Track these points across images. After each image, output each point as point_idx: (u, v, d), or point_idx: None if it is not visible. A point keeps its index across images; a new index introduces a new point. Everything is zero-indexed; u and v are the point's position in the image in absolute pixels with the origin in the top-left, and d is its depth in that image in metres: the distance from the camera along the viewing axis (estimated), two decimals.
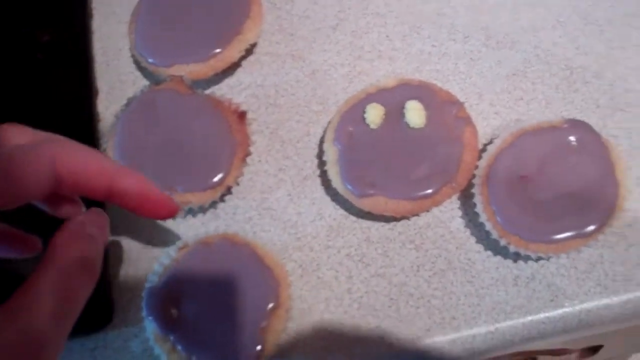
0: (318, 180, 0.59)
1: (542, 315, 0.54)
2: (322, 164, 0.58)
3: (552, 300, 0.54)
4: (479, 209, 0.54)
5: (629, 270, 0.54)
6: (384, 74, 0.63)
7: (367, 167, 0.55)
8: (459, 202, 0.58)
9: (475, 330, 0.53)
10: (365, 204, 0.55)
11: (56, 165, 0.39)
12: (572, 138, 0.54)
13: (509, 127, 0.57)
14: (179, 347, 0.49)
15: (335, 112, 0.59)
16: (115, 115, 0.59)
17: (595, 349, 0.87)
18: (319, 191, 0.59)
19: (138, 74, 0.65)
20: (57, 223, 0.41)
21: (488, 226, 0.53)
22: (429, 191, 0.54)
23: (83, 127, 0.61)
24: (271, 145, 0.61)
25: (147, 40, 0.62)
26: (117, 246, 0.58)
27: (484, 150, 0.56)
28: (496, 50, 0.64)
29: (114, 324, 0.55)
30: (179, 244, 0.53)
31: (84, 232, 0.40)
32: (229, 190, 0.57)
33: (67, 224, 0.41)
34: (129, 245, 0.58)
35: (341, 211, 0.58)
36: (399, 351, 0.53)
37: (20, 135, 0.41)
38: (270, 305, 0.50)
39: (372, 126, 0.56)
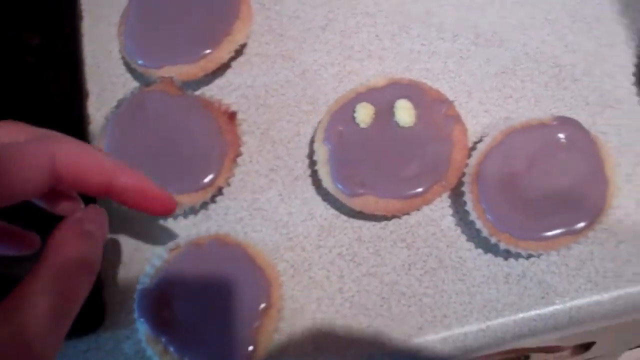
0: (309, 180, 0.59)
1: (533, 313, 0.54)
2: (312, 163, 0.58)
3: (543, 298, 0.54)
4: (469, 207, 0.54)
5: (619, 266, 0.54)
6: (374, 74, 0.63)
7: (358, 166, 0.55)
8: (449, 200, 0.58)
9: (466, 328, 0.54)
10: (356, 203, 0.55)
11: (54, 162, 0.39)
12: (561, 135, 0.54)
13: (498, 125, 0.57)
14: (171, 349, 0.49)
15: (325, 111, 0.59)
16: (105, 117, 0.59)
17: (587, 346, 0.87)
18: (310, 191, 0.59)
19: (128, 75, 0.65)
20: (55, 220, 0.41)
21: (478, 224, 0.53)
22: (419, 190, 0.54)
23: (73, 130, 0.61)
24: (262, 145, 0.61)
25: (136, 41, 0.62)
26: (108, 248, 0.57)
27: (473, 148, 0.56)
28: (485, 49, 0.64)
29: (105, 326, 0.55)
30: (170, 245, 0.54)
31: (83, 229, 0.40)
32: (220, 191, 0.57)
33: (66, 221, 0.41)
34: (121, 247, 0.58)
35: (332, 211, 0.58)
36: (391, 350, 0.53)
37: (18, 131, 0.41)
38: (262, 305, 0.50)
39: (362, 125, 0.56)
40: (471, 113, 0.61)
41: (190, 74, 0.60)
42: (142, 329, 0.51)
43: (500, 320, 0.54)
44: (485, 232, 0.53)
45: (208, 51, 0.60)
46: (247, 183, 0.60)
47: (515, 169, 0.53)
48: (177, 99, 0.57)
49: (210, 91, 0.63)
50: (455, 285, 0.55)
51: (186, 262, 0.52)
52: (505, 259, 0.55)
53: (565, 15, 0.65)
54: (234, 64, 0.65)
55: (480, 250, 0.56)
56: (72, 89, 0.64)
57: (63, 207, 0.47)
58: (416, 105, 0.56)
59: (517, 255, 0.55)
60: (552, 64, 0.63)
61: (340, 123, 0.57)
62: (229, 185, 0.58)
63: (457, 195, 0.57)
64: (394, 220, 0.57)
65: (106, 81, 0.65)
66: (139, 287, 0.52)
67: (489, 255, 0.55)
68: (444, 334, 0.53)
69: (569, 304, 0.54)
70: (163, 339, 0.50)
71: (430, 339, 0.53)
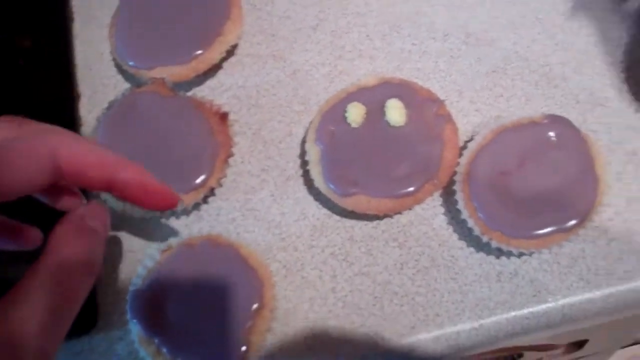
0: (301, 180, 0.59)
1: (525, 311, 0.54)
2: (304, 163, 0.58)
3: (535, 296, 0.54)
4: (461, 205, 0.54)
5: (611, 264, 0.55)
6: (365, 73, 0.63)
7: (349, 166, 0.55)
8: (441, 199, 0.58)
9: (459, 327, 0.54)
10: (348, 203, 0.55)
11: (56, 156, 0.39)
12: (552, 134, 0.54)
13: (489, 124, 0.57)
14: (164, 350, 0.49)
15: (316, 111, 0.59)
16: (97, 118, 0.58)
17: (580, 344, 0.88)
18: (302, 191, 0.59)
19: (120, 77, 0.65)
20: (57, 215, 0.41)
21: (470, 223, 0.54)
22: (411, 189, 0.54)
23: None
24: (253, 146, 0.61)
25: (127, 43, 0.62)
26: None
27: (464, 147, 0.57)
28: (476, 48, 0.64)
29: (98, 327, 0.55)
30: (163, 246, 0.53)
31: (85, 225, 0.40)
32: (212, 192, 0.57)
33: (67, 217, 0.41)
34: (113, 249, 0.58)
35: (324, 210, 0.58)
36: (384, 349, 0.53)
37: (19, 126, 0.41)
38: (255, 305, 0.50)
39: (354, 125, 0.56)
40: (462, 112, 0.61)
41: (181, 75, 0.60)
42: (135, 330, 0.51)
43: (493, 318, 0.54)
44: (476, 231, 0.53)
45: (199, 52, 0.60)
46: (239, 183, 0.60)
47: (506, 168, 0.54)
48: (168, 100, 0.57)
49: (202, 92, 0.63)
50: (448, 284, 0.55)
51: (178, 263, 0.52)
52: (497, 257, 0.55)
53: (556, 14, 0.65)
54: (225, 64, 0.65)
55: (472, 249, 0.56)
56: (64, 91, 0.64)
57: (64, 203, 0.46)
58: (407, 105, 0.56)
59: (509, 254, 0.55)
60: (543, 63, 0.63)
61: (331, 123, 0.57)
62: (220, 185, 0.58)
63: (448, 194, 0.57)
64: (386, 220, 0.57)
65: (98, 83, 0.65)
66: (131, 288, 0.52)
67: (481, 254, 0.56)
68: (437, 332, 0.54)
69: (561, 302, 0.54)
70: (156, 340, 0.50)
71: (423, 337, 0.53)
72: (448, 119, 0.57)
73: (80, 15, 0.69)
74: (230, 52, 0.64)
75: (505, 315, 0.54)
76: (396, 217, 0.57)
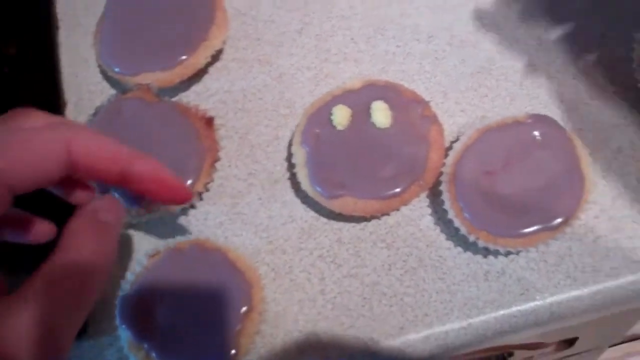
0: (288, 183, 0.60)
1: (513, 309, 0.54)
2: (291, 166, 0.58)
3: (522, 294, 0.54)
4: (447, 206, 0.54)
5: (597, 261, 0.55)
6: (350, 76, 0.64)
7: (335, 168, 0.55)
8: (427, 200, 0.58)
9: (448, 327, 0.54)
10: (334, 205, 0.55)
11: (71, 148, 0.39)
12: (537, 133, 0.55)
13: (474, 124, 0.57)
14: (154, 355, 0.49)
15: (302, 115, 0.59)
16: None
17: (570, 342, 0.88)
18: (290, 194, 0.59)
19: (105, 84, 0.65)
20: (69, 208, 0.41)
21: (456, 223, 0.54)
22: (397, 190, 0.54)
23: None
24: (240, 150, 0.61)
25: (112, 49, 0.62)
26: None
27: (450, 148, 0.57)
28: (460, 49, 0.64)
29: (88, 334, 0.55)
30: (151, 251, 0.53)
31: (99, 219, 0.40)
32: (199, 196, 0.57)
33: (81, 211, 0.41)
34: None
35: (312, 213, 0.58)
36: (373, 350, 0.53)
37: (34, 118, 0.41)
38: (244, 308, 0.50)
39: (339, 128, 0.56)
40: (447, 113, 0.61)
41: (167, 81, 0.60)
42: (124, 335, 0.51)
43: (482, 317, 0.54)
44: (463, 230, 0.54)
45: (184, 57, 0.60)
46: (226, 188, 0.60)
47: (491, 167, 0.54)
48: (153, 105, 0.57)
49: (188, 97, 0.64)
50: (436, 284, 0.55)
51: (166, 268, 0.52)
52: (485, 256, 0.56)
53: (539, 13, 0.65)
54: (211, 69, 0.65)
55: (459, 249, 0.56)
56: (50, 98, 0.64)
57: (78, 196, 0.46)
58: (392, 107, 0.56)
59: (496, 253, 0.55)
60: (527, 62, 0.63)
61: (317, 126, 0.57)
62: (208, 190, 0.58)
63: (435, 195, 0.57)
64: (373, 221, 0.58)
65: (83, 90, 0.65)
66: (120, 294, 0.52)
67: (468, 254, 0.56)
68: (426, 332, 0.54)
69: (548, 300, 0.54)
70: (145, 345, 0.50)
71: (412, 338, 0.54)
72: (433, 120, 0.57)
73: (65, 23, 0.69)
74: (216, 57, 0.64)
75: (493, 314, 0.54)
76: (383, 218, 0.58)
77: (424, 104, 0.57)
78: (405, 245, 0.56)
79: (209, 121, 0.57)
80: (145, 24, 0.62)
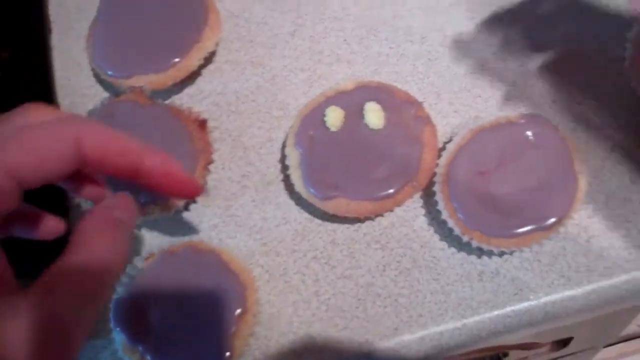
0: (282, 185, 0.60)
1: (508, 309, 0.54)
2: (285, 168, 0.58)
3: (516, 294, 0.54)
4: (441, 206, 0.54)
5: (591, 261, 0.55)
6: (343, 77, 0.64)
7: (329, 169, 0.55)
8: (421, 200, 0.58)
9: (442, 327, 0.54)
10: (328, 206, 0.55)
11: (81, 142, 0.39)
12: (529, 133, 0.55)
13: (467, 124, 0.57)
14: (148, 357, 0.49)
15: (296, 116, 0.59)
16: None
17: (565, 342, 0.88)
18: (283, 196, 0.59)
19: (99, 87, 0.65)
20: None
21: (450, 223, 0.54)
22: (391, 191, 0.54)
23: None
24: (234, 152, 0.61)
25: (105, 52, 0.62)
26: None
27: (443, 148, 0.57)
28: (453, 50, 0.64)
29: None
30: (144, 253, 0.53)
31: (113, 217, 0.40)
32: (192, 199, 0.57)
33: (95, 209, 0.40)
34: None
35: (306, 214, 0.58)
36: (368, 351, 0.53)
37: (43, 113, 0.41)
38: (238, 311, 0.50)
39: (333, 129, 0.56)
40: (441, 114, 0.61)
41: (160, 83, 0.60)
42: (119, 338, 0.50)
43: (476, 318, 0.54)
44: (457, 231, 0.54)
45: (177, 60, 0.60)
46: (220, 190, 0.60)
47: (484, 168, 0.54)
48: (146, 108, 0.57)
49: (181, 99, 0.64)
50: (430, 284, 0.55)
51: (160, 270, 0.52)
52: (479, 257, 0.56)
53: (531, 14, 0.65)
54: (204, 71, 0.65)
55: (453, 249, 0.56)
56: (43, 101, 0.63)
57: (88, 191, 0.46)
58: (385, 108, 0.56)
59: (490, 253, 0.55)
60: (519, 63, 0.63)
61: (310, 127, 0.57)
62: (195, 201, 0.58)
63: (428, 196, 0.57)
64: (367, 222, 0.58)
65: (76, 93, 0.65)
66: (114, 296, 0.52)
67: (462, 254, 0.56)
68: (420, 333, 0.54)
69: (543, 300, 0.54)
70: (140, 348, 0.50)
71: (407, 338, 0.54)
72: (427, 120, 0.57)
73: (58, 26, 0.69)
74: (209, 59, 0.64)
75: (487, 315, 0.54)
76: (377, 219, 0.58)
77: (417, 104, 0.57)
78: (399, 246, 0.57)
79: (202, 123, 0.57)
80: (138, 26, 0.62)
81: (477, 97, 0.62)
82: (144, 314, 0.50)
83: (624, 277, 0.54)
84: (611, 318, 0.83)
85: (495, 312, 0.54)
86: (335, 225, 0.58)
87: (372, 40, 0.66)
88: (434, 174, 0.56)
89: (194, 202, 0.58)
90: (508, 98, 0.62)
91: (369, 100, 0.57)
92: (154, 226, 0.58)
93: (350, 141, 0.56)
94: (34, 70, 0.65)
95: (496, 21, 0.65)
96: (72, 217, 0.58)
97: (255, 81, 0.64)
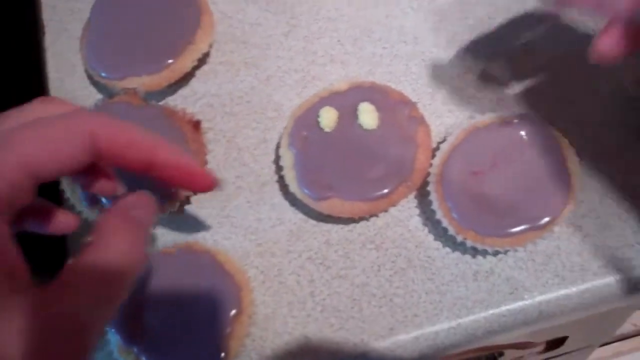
0: (276, 186, 0.60)
1: (502, 309, 0.54)
2: (279, 169, 0.58)
3: (511, 293, 0.54)
4: (435, 206, 0.54)
5: (586, 260, 0.55)
6: (337, 78, 0.64)
7: (323, 170, 0.55)
8: (415, 200, 0.58)
9: (437, 327, 0.54)
10: (323, 206, 0.55)
11: (95, 135, 0.38)
12: (523, 132, 0.55)
13: (461, 125, 0.57)
14: (143, 359, 0.49)
15: (290, 117, 0.59)
16: None
17: (560, 341, 0.88)
18: (278, 196, 0.59)
19: (92, 89, 0.65)
20: None
21: (444, 223, 0.54)
22: (385, 191, 0.54)
23: None
24: (228, 153, 0.61)
25: (98, 54, 0.62)
26: None
27: (437, 148, 0.57)
28: (446, 50, 0.64)
29: None
30: None
31: (132, 216, 0.40)
32: (187, 200, 0.57)
33: (114, 207, 0.40)
34: None
35: (300, 215, 0.58)
36: (363, 351, 0.53)
37: (57, 106, 0.41)
38: (233, 311, 0.51)
39: (327, 130, 0.56)
40: (435, 114, 0.61)
41: (153, 85, 0.60)
42: (114, 339, 0.50)
43: (471, 317, 0.54)
44: (451, 231, 0.54)
45: (171, 61, 0.60)
46: (215, 191, 0.59)
47: (478, 167, 0.54)
48: (140, 109, 0.57)
49: (175, 101, 0.64)
50: (425, 284, 0.55)
51: (155, 271, 0.52)
52: (473, 256, 0.56)
53: (524, 14, 0.65)
54: (198, 73, 0.65)
55: (448, 249, 0.56)
56: None
57: (100, 186, 0.45)
58: (379, 108, 0.57)
59: (485, 253, 0.55)
60: (514, 63, 0.63)
61: (304, 128, 0.57)
62: (196, 194, 0.57)
63: (422, 196, 0.57)
64: (362, 223, 0.58)
65: (70, 95, 0.65)
66: None
67: (457, 254, 0.56)
68: (416, 333, 0.54)
69: (537, 299, 0.54)
70: (135, 349, 0.50)
71: (402, 338, 0.54)
72: (421, 121, 0.57)
73: (51, 28, 0.68)
74: (203, 61, 0.64)
75: (482, 314, 0.54)
76: (372, 219, 0.58)
77: (411, 105, 0.58)
78: (394, 246, 0.57)
79: (197, 125, 0.57)
80: (131, 28, 0.62)
81: (471, 97, 0.62)
82: (139, 314, 0.50)
83: (618, 276, 0.54)
84: (606, 317, 0.83)
85: (490, 312, 0.54)
86: (329, 226, 0.58)
87: (366, 40, 0.66)
88: (428, 174, 0.56)
89: (189, 203, 0.58)
90: (501, 98, 0.62)
91: (363, 100, 0.57)
92: None
93: (344, 142, 0.56)
94: (27, 72, 0.65)
95: (489, 21, 0.65)
96: None
97: (249, 82, 0.64)
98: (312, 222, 0.58)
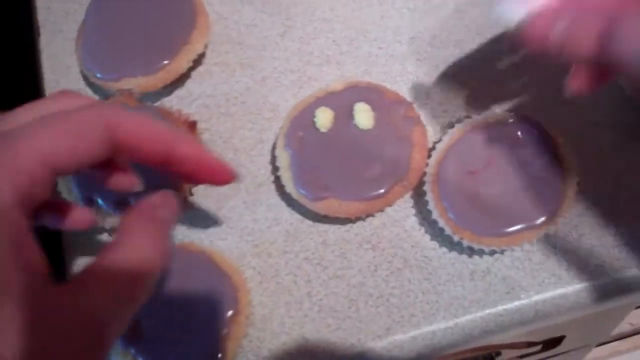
0: (273, 187, 0.60)
1: (499, 308, 0.54)
2: (275, 170, 0.58)
3: (508, 293, 0.54)
4: (431, 206, 0.54)
5: (582, 259, 0.55)
6: (333, 79, 0.64)
7: (319, 170, 0.55)
8: (412, 200, 0.58)
9: (434, 327, 0.54)
10: (319, 207, 0.55)
11: (114, 128, 0.38)
12: (519, 132, 0.55)
13: (457, 124, 0.57)
14: None
15: (286, 117, 0.59)
16: None
17: (557, 341, 0.88)
18: (274, 197, 0.59)
19: (88, 90, 0.65)
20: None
21: (441, 223, 0.54)
22: (381, 191, 0.54)
23: None
24: (224, 154, 0.61)
25: (93, 55, 0.62)
26: (75, 263, 0.57)
27: (433, 148, 0.57)
28: (442, 50, 0.64)
29: None
30: None
31: (155, 215, 0.40)
32: (184, 201, 0.57)
33: (138, 207, 0.40)
34: (84, 261, 0.57)
35: (297, 215, 0.58)
36: (360, 351, 0.53)
37: (75, 100, 0.41)
38: (230, 312, 0.50)
39: (322, 130, 0.56)
40: (431, 114, 0.61)
41: (149, 86, 0.60)
42: None
43: (468, 317, 0.54)
44: (447, 230, 0.54)
45: (166, 62, 0.60)
46: (211, 192, 0.59)
47: (474, 167, 0.54)
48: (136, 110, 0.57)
49: (171, 102, 0.63)
50: (422, 284, 0.55)
51: None
52: (470, 256, 0.56)
53: None
54: (193, 74, 0.65)
55: (444, 249, 0.56)
56: None
57: (117, 181, 0.44)
58: (374, 108, 0.57)
59: (481, 252, 0.55)
60: (509, 63, 0.63)
61: (300, 128, 0.57)
62: (192, 194, 0.57)
63: (419, 195, 0.57)
64: (358, 223, 0.58)
65: None
66: None
67: (453, 253, 0.56)
68: (413, 333, 0.54)
69: (534, 298, 0.54)
70: (132, 351, 0.50)
71: (399, 338, 0.54)
72: (417, 121, 0.57)
73: (46, 29, 0.68)
74: (198, 62, 0.64)
75: (479, 313, 0.54)
76: (368, 219, 0.58)
77: (407, 104, 0.58)
78: (390, 246, 0.57)
79: (192, 125, 0.57)
80: (127, 29, 0.62)
81: (467, 96, 0.62)
82: (136, 316, 0.50)
83: (614, 276, 0.54)
84: (603, 316, 0.83)
85: (487, 311, 0.54)
86: (326, 226, 0.58)
87: (362, 41, 0.66)
88: (424, 174, 0.56)
89: (189, 207, 0.58)
90: (497, 98, 0.62)
91: (359, 100, 0.57)
92: None
93: (340, 142, 0.56)
94: (22, 73, 0.65)
95: (484, 20, 0.65)
96: None
97: (244, 83, 0.64)
98: (309, 222, 0.58)
